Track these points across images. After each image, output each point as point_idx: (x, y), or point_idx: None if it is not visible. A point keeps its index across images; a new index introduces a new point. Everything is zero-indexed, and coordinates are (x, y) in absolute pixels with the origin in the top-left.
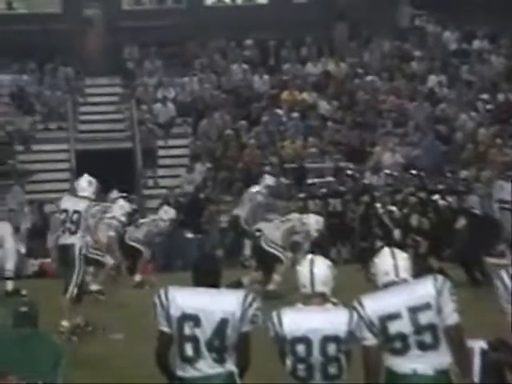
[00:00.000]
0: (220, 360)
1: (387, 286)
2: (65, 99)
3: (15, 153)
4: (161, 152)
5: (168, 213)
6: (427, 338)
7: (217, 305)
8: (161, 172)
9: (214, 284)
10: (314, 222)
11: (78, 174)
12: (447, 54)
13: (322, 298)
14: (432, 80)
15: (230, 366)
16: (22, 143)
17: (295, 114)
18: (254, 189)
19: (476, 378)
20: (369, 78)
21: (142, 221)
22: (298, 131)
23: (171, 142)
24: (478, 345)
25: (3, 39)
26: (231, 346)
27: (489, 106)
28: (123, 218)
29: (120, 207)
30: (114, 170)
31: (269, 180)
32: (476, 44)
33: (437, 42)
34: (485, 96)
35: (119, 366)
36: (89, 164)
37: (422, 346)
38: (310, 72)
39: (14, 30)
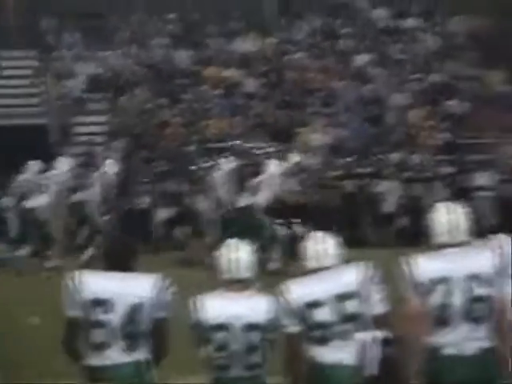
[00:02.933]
0: (132, 347)
1: (314, 272)
2: None
3: None
4: (77, 129)
5: None
6: (351, 327)
7: (130, 289)
8: (77, 150)
9: (127, 268)
10: None
11: None
12: (377, 31)
13: (245, 284)
14: (362, 58)
15: (141, 354)
16: None
17: (219, 92)
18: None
19: (370, 370)
20: (297, 55)
21: None
22: (222, 109)
23: (88, 119)
24: (374, 336)
25: None
26: (145, 333)
27: (420, 87)
28: None
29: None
30: (28, 147)
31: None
32: (409, 22)
33: (367, 20)
34: (417, 76)
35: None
36: (1, 140)
37: (346, 336)
38: (235, 48)
39: None
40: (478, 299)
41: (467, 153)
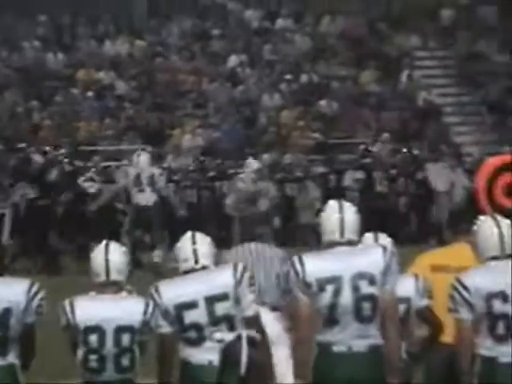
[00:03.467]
0: (2, 352)
1: (187, 273)
2: None
3: None
4: None
5: None
6: (223, 329)
7: (1, 294)
8: None
9: None
10: None
11: None
12: (249, 32)
13: (117, 287)
14: (233, 60)
15: (12, 358)
16: None
17: (91, 94)
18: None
19: (236, 370)
20: (168, 57)
21: None
22: (93, 112)
23: None
24: (244, 334)
25: None
26: (15, 338)
27: (292, 87)
28: None
29: None
30: None
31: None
32: (279, 23)
33: (238, 21)
34: (288, 77)
35: None
36: None
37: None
38: (106, 50)
39: None
40: (366, 298)
41: (339, 153)
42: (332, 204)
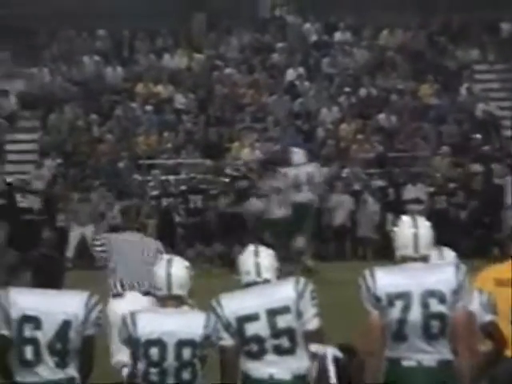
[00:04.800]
0: (61, 364)
1: (248, 285)
2: None
3: None
4: (8, 147)
5: None
6: (284, 342)
7: (59, 306)
8: (8, 168)
9: (56, 285)
10: None
11: None
12: (308, 46)
13: (178, 301)
14: (292, 73)
15: (72, 371)
16: None
17: (150, 108)
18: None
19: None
20: (227, 70)
21: None
22: (152, 125)
23: (18, 137)
24: (329, 351)
25: None
26: (74, 350)
27: (350, 101)
28: None
29: None
30: None
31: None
32: (338, 36)
33: (297, 34)
34: (347, 90)
35: None
36: None
37: (279, 351)
38: (165, 64)
39: None
40: (436, 316)
41: (398, 166)
42: (406, 219)
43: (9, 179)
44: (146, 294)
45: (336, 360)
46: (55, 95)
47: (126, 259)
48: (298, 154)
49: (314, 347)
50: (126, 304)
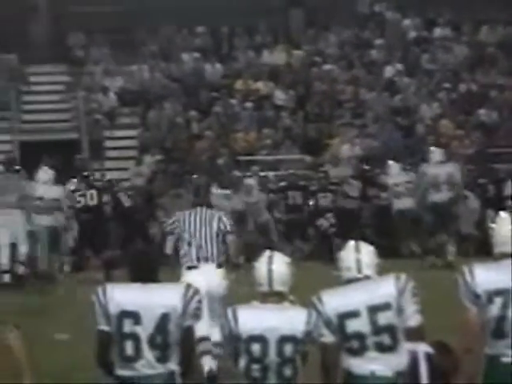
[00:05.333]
0: (162, 358)
1: (349, 282)
2: (7, 88)
3: None
4: (108, 143)
5: None
6: (385, 339)
7: (157, 300)
8: (108, 164)
9: (152, 279)
10: None
11: (22, 167)
12: (407, 42)
13: (279, 297)
14: (391, 69)
15: (172, 365)
16: None
17: (249, 104)
18: None
19: (424, 382)
20: (326, 66)
21: None
22: (251, 122)
23: (118, 133)
24: (421, 348)
25: None
26: (174, 343)
27: (450, 96)
28: None
29: None
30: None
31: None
32: (437, 32)
33: (396, 30)
34: (446, 85)
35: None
36: (33, 156)
37: (380, 347)
38: (264, 60)
39: None
40: None
41: (498, 162)
42: (504, 216)
43: (109, 176)
44: (219, 266)
45: (428, 357)
46: (154, 92)
47: (198, 233)
48: (435, 154)
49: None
50: (201, 275)
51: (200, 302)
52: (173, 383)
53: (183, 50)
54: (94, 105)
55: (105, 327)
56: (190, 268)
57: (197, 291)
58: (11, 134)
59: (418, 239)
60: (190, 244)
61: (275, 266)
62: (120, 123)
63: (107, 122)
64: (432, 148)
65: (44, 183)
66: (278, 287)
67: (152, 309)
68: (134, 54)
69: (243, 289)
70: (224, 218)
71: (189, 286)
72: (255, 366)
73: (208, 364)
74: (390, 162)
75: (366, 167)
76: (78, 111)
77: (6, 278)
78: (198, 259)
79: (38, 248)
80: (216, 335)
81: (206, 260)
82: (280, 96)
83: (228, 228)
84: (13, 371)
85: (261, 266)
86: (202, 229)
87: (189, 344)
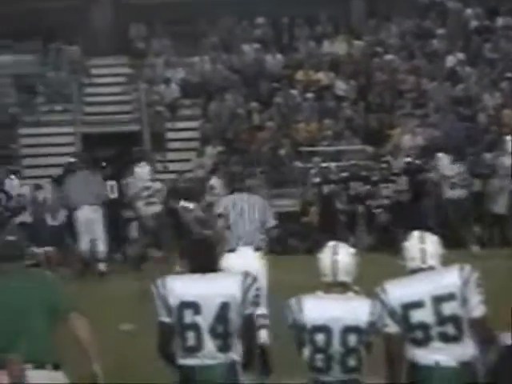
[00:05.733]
0: (224, 348)
1: (413, 272)
2: (69, 80)
3: (18, 136)
4: (169, 135)
5: None
6: (450, 329)
7: (215, 289)
8: (170, 156)
9: (211, 268)
10: None
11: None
12: (469, 31)
13: (343, 287)
14: (452, 59)
15: (234, 354)
16: (25, 126)
17: (310, 95)
18: None
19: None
20: (387, 57)
21: None
22: (312, 112)
23: (180, 125)
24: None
25: (4, 19)
26: (235, 332)
27: None
28: None
29: None
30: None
31: None
32: (499, 21)
33: (458, 19)
34: (509, 75)
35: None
36: (94, 148)
37: (445, 338)
38: (325, 51)
39: (15, 8)
40: None
41: None
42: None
43: (171, 167)
44: (257, 249)
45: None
46: (216, 83)
47: (241, 217)
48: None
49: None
50: (238, 258)
51: (259, 289)
52: (234, 372)
53: (244, 41)
54: (156, 97)
55: (166, 319)
56: (229, 251)
57: (255, 279)
58: (73, 126)
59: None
60: (229, 228)
61: (340, 256)
62: (181, 115)
63: (169, 113)
64: (507, 137)
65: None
66: (342, 277)
67: (211, 298)
68: (195, 46)
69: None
70: (264, 204)
71: (247, 274)
72: (319, 356)
73: (262, 337)
74: (440, 154)
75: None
76: (140, 103)
77: (102, 266)
78: (238, 243)
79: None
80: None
81: (245, 243)
82: (341, 86)
83: (268, 215)
84: (80, 359)
85: (325, 256)
86: (244, 214)
87: (250, 332)
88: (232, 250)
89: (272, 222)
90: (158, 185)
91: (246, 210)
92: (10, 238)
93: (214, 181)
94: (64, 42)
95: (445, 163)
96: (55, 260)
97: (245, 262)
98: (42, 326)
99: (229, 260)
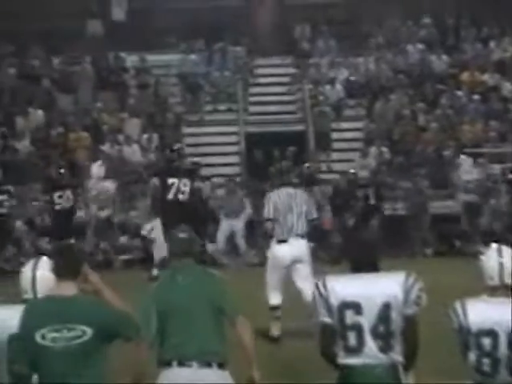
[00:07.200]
0: (386, 348)
1: None
2: (234, 80)
3: (183, 135)
4: (333, 135)
5: None
6: None
7: (377, 289)
8: (334, 156)
9: (372, 268)
10: None
11: (248, 158)
12: None
13: (508, 290)
14: None
15: (395, 355)
16: (189, 125)
17: (476, 97)
18: None
19: None
20: None
21: None
22: (478, 114)
23: (344, 125)
24: None
25: (170, 18)
26: (397, 332)
27: None
28: None
29: None
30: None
31: None
32: None
33: None
34: None
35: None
36: (259, 147)
37: None
38: (491, 52)
39: (182, 8)
40: None
41: None
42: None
43: (335, 167)
44: (303, 237)
45: None
46: (380, 84)
47: (289, 210)
48: None
49: None
50: (289, 247)
51: (422, 290)
52: (396, 373)
53: (408, 42)
54: (320, 97)
55: (326, 319)
56: (279, 242)
57: (417, 279)
58: (237, 125)
59: None
60: (278, 220)
61: (505, 259)
62: (346, 115)
63: (333, 113)
64: None
65: None
66: (507, 280)
67: (373, 298)
68: (360, 46)
69: None
70: (308, 198)
71: (408, 274)
72: (486, 361)
73: None
74: (463, 157)
75: None
76: (304, 103)
77: None
78: (287, 234)
79: None
80: None
81: (294, 235)
82: (508, 88)
83: (311, 207)
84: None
85: (490, 259)
86: (292, 207)
87: (412, 333)
88: (284, 241)
89: (314, 214)
90: None
91: (294, 203)
92: (182, 235)
93: None
94: (229, 42)
95: (466, 167)
96: None
97: (293, 248)
98: (209, 326)
99: (281, 249)
